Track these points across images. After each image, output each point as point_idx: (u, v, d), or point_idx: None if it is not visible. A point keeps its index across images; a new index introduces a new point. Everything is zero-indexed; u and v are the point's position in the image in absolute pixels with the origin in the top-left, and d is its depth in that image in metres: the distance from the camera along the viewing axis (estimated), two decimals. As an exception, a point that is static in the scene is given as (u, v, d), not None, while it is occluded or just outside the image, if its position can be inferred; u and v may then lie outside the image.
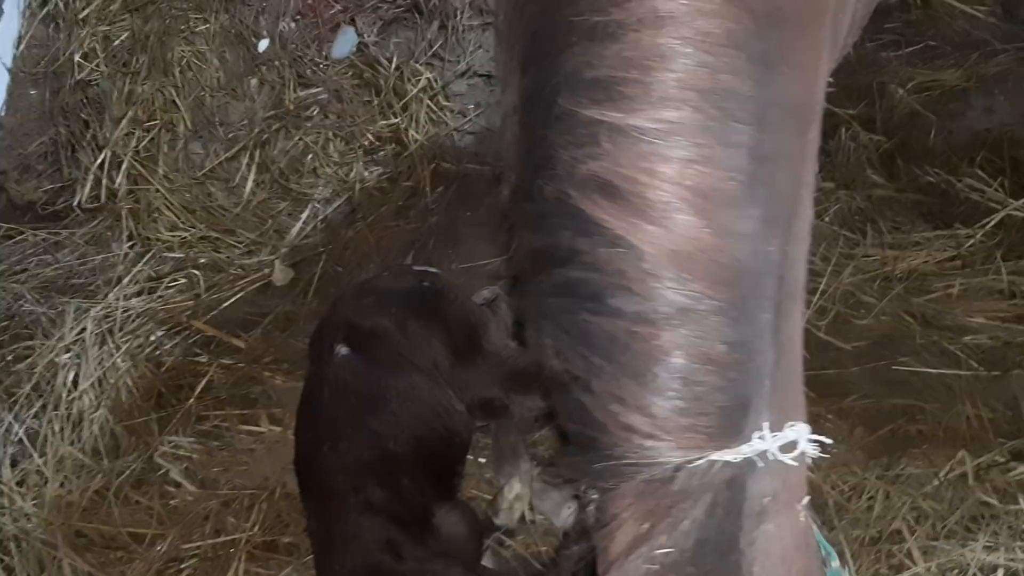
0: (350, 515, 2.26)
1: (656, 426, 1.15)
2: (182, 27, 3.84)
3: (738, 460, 1.15)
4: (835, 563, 1.45)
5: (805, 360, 2.97)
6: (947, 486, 2.50)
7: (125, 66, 3.78)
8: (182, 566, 2.64)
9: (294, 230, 3.63)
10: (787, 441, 1.19)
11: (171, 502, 2.80)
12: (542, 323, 1.26)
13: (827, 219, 3.29)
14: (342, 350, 2.53)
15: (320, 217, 3.68)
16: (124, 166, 3.58)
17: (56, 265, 3.45)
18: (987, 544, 2.34)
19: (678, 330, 1.14)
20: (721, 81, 1.13)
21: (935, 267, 3.08)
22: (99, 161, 3.60)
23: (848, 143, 3.39)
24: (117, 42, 3.82)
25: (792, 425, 1.20)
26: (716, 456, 1.14)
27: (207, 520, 2.72)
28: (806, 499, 1.25)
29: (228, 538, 2.65)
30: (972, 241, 3.09)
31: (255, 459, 2.90)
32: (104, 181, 3.58)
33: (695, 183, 1.14)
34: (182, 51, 3.79)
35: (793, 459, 1.18)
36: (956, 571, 2.34)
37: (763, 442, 1.17)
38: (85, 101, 3.76)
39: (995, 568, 2.30)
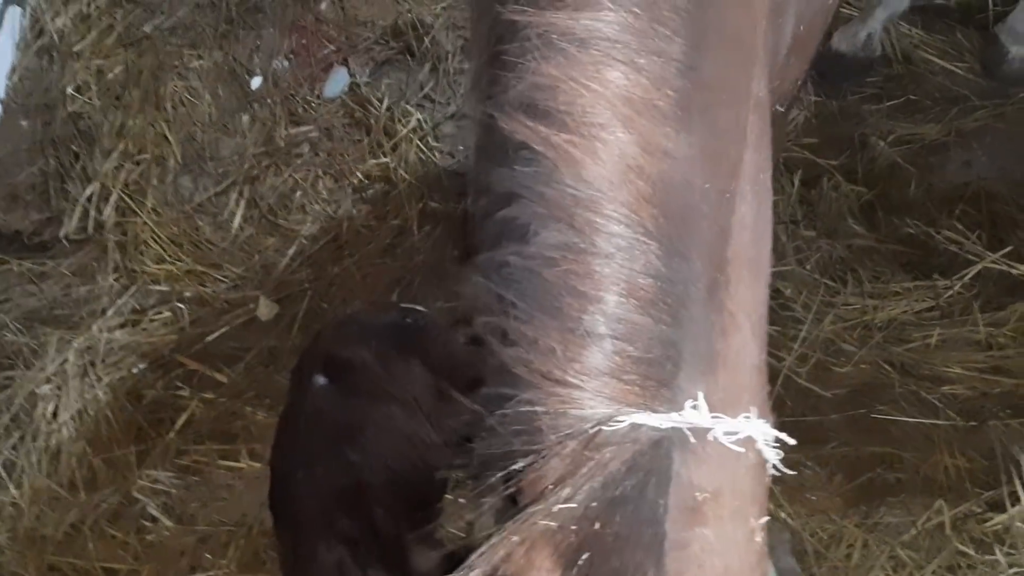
0: (316, 543, 2.25)
1: (581, 374, 1.04)
2: (175, 63, 3.88)
3: (664, 427, 1.03)
4: None
5: (785, 406, 3.00)
6: (925, 535, 2.52)
7: (117, 100, 3.81)
8: (156, 603, 2.62)
9: (280, 265, 3.64)
10: (735, 429, 1.07)
11: (147, 537, 2.78)
12: (475, 283, 1.14)
13: (808, 267, 3.33)
14: (319, 379, 2.53)
15: (307, 253, 3.70)
16: (113, 198, 3.59)
17: (40, 296, 3.45)
18: (964, 594, 2.35)
19: (608, 261, 1.05)
20: None
21: (914, 317, 3.11)
22: (88, 193, 3.61)
23: (830, 193, 3.44)
24: (110, 76, 3.86)
25: (747, 416, 1.10)
26: (640, 418, 1.02)
27: (183, 556, 2.71)
28: (764, 519, 1.14)
29: (204, 575, 2.63)
30: (950, 292, 3.13)
31: (234, 495, 2.89)
32: (92, 213, 3.59)
33: (623, 92, 1.06)
34: (175, 86, 3.82)
35: (737, 445, 1.07)
36: (933, 621, 2.35)
37: (696, 414, 1.05)
38: (76, 133, 3.78)
39: (971, 618, 2.31)
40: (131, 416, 3.08)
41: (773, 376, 2.94)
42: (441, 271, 3.54)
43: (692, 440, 1.06)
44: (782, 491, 2.68)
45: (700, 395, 1.07)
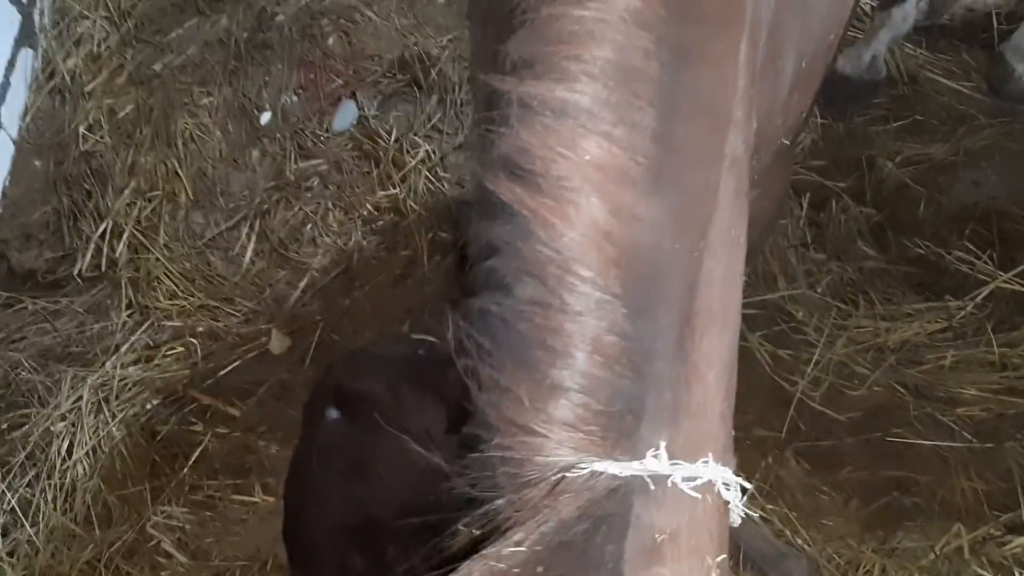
0: None
1: (547, 424, 1.09)
2: (186, 100, 3.93)
3: (624, 475, 1.08)
4: None
5: (799, 430, 2.98)
6: (943, 560, 2.49)
7: (129, 138, 3.86)
8: (171, 641, 2.62)
9: (292, 298, 3.66)
10: (694, 475, 1.12)
11: (162, 574, 2.78)
12: (458, 327, 1.20)
13: (819, 290, 3.32)
14: (332, 413, 2.53)
15: (318, 285, 3.72)
16: (125, 235, 3.63)
17: (54, 334, 3.47)
18: (985, 619, 2.32)
19: (575, 319, 1.10)
20: (627, 59, 1.13)
21: (927, 339, 3.10)
22: (100, 230, 3.64)
23: (839, 215, 3.44)
24: (122, 114, 3.91)
25: (706, 461, 1.14)
26: (599, 466, 1.07)
27: (198, 591, 2.71)
28: (722, 556, 1.16)
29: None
30: (963, 313, 3.11)
31: (248, 529, 2.89)
32: (105, 250, 3.62)
33: (596, 161, 1.12)
34: (185, 123, 3.87)
35: (696, 489, 1.11)
36: (954, 647, 2.32)
37: (656, 462, 1.10)
38: (88, 172, 3.82)
39: (993, 644, 2.28)
40: (145, 452, 3.10)
41: (787, 400, 2.97)
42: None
43: (652, 487, 1.11)
44: (798, 517, 2.67)
45: (662, 444, 1.12)
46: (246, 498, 2.96)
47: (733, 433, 1.26)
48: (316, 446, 2.57)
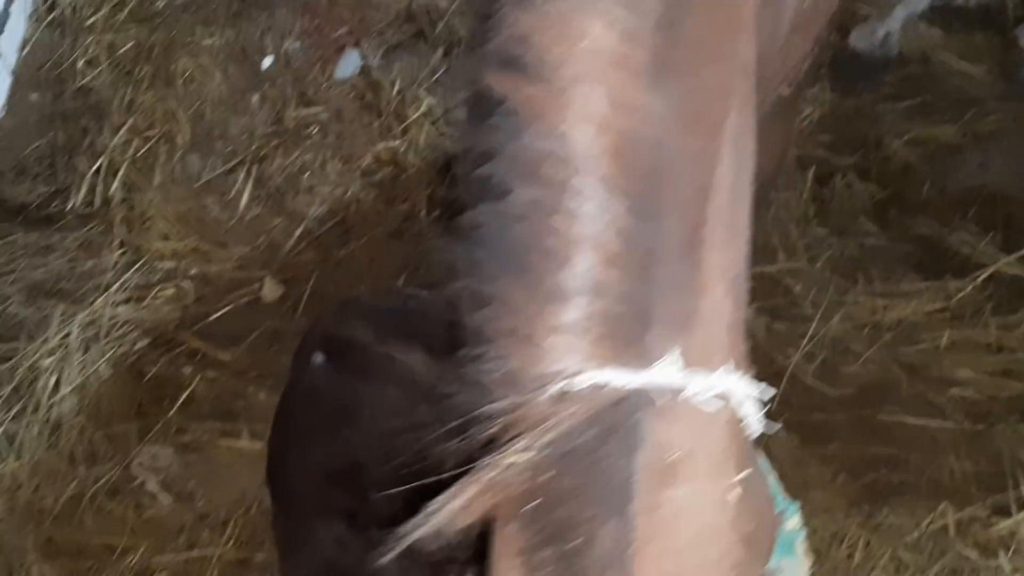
0: (314, 520, 2.23)
1: (548, 332, 1.02)
2: (188, 39, 3.86)
3: (631, 386, 1.01)
4: (791, 522, 1.25)
5: (790, 404, 2.98)
6: (928, 538, 2.50)
7: (128, 75, 3.79)
8: (153, 579, 2.61)
9: (287, 247, 3.62)
10: (709, 386, 1.04)
11: (146, 513, 2.77)
12: (448, 247, 1.13)
13: (819, 265, 3.31)
14: (317, 358, 2.52)
15: (314, 235, 3.68)
16: (120, 174, 3.58)
17: (45, 269, 3.43)
18: (966, 599, 2.33)
19: (575, 219, 1.04)
20: None
21: (924, 318, 3.09)
22: (95, 167, 3.59)
23: (843, 191, 3.42)
24: (122, 51, 3.84)
25: (720, 372, 1.06)
26: (604, 376, 1.00)
27: (181, 533, 2.70)
28: (744, 472, 1.09)
29: (201, 553, 2.63)
30: (962, 294, 3.10)
31: (234, 474, 2.88)
32: (99, 187, 3.57)
33: (595, 46, 1.06)
34: (186, 63, 3.81)
35: (712, 402, 1.04)
36: (934, 624, 2.33)
37: (667, 372, 1.03)
38: (85, 107, 3.77)
39: (973, 623, 2.30)
40: (132, 392, 3.07)
41: (779, 374, 2.96)
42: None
43: (663, 399, 1.03)
44: (785, 488, 2.66)
45: (675, 352, 1.05)
46: (233, 443, 2.95)
47: (745, 348, 1.17)
48: (301, 391, 2.56)
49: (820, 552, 2.53)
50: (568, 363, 1.02)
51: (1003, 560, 2.38)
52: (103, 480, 2.81)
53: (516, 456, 1.00)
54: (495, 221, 1.08)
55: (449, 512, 1.03)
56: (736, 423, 1.10)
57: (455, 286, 1.12)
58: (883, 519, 2.57)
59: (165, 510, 2.78)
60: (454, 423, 1.09)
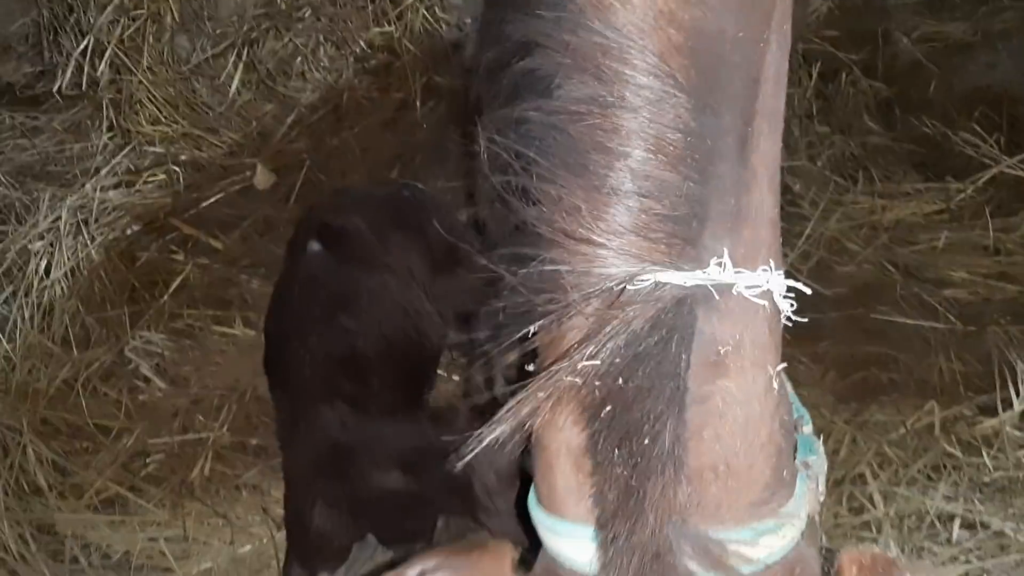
0: (318, 404, 2.25)
1: (606, 233, 1.03)
2: (175, -87, 3.70)
3: (688, 285, 1.03)
4: (807, 428, 1.31)
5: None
6: (913, 435, 2.52)
7: (114, -49, 3.64)
8: (148, 460, 2.63)
9: (278, 134, 3.56)
10: (756, 283, 1.07)
11: (139, 397, 2.78)
12: (488, 143, 1.12)
13: (820, 163, 3.27)
14: (314, 246, 2.50)
15: (306, 122, 3.61)
16: (107, 54, 3.46)
17: (33, 150, 3.38)
18: (946, 494, 2.36)
19: (635, 115, 1.02)
20: None
21: (922, 219, 3.07)
22: (82, 47, 3.48)
23: (847, 88, 3.35)
24: (107, -76, 3.68)
25: (765, 269, 1.09)
26: (664, 276, 1.02)
27: (175, 417, 2.72)
28: (782, 365, 1.14)
29: (196, 436, 2.65)
30: (962, 195, 3.08)
31: (227, 360, 2.89)
32: (86, 68, 3.47)
33: None
34: (173, -60, 3.65)
35: (757, 297, 1.07)
36: (914, 517, 2.37)
37: (720, 271, 1.05)
38: (71, -17, 3.63)
39: (952, 517, 2.33)
40: (124, 277, 3.05)
41: (774, 272, 2.95)
42: (443, 149, 3.46)
43: (716, 296, 1.05)
44: (775, 385, 2.68)
45: (725, 252, 1.06)
46: (226, 330, 2.94)
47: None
48: (298, 279, 2.55)
49: (806, 447, 2.56)
50: (628, 264, 1.03)
51: (986, 458, 2.41)
52: (96, 364, 2.81)
53: (585, 361, 1.01)
54: (547, 117, 1.05)
55: (522, 414, 1.03)
56: (776, 316, 1.14)
57: (498, 180, 1.10)
58: (870, 416, 2.59)
59: (159, 395, 2.79)
60: (509, 326, 1.10)
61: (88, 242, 3.07)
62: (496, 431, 1.04)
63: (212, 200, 3.32)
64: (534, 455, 1.15)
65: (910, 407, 2.60)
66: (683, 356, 1.04)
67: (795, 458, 1.21)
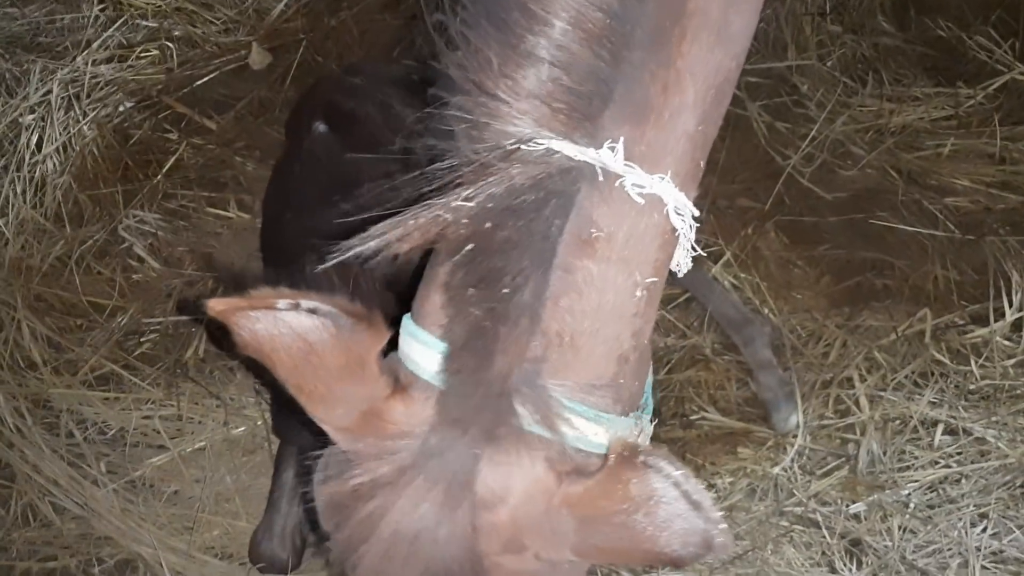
0: (306, 271, 2.24)
1: (512, 92, 1.08)
2: None
3: (578, 159, 1.08)
4: (646, 415, 1.34)
5: (783, 205, 2.95)
6: (903, 341, 2.54)
7: None
8: (142, 339, 2.64)
9: (275, 12, 3.45)
10: (644, 183, 1.12)
11: (133, 276, 2.78)
12: None
13: (829, 64, 3.20)
14: (320, 127, 2.44)
15: (303, 2, 3.50)
16: (98, -80, 3.33)
17: (22, 20, 3.27)
18: (932, 400, 2.40)
19: None
20: None
21: (930, 124, 3.02)
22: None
23: (860, -13, 3.26)
24: None
25: (662, 177, 1.13)
26: (556, 145, 1.07)
27: (169, 297, 2.72)
28: (652, 279, 1.18)
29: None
30: (972, 102, 3.03)
31: (221, 243, 2.87)
32: (76, -65, 3.35)
33: None
34: None
35: (643, 199, 1.12)
36: (898, 421, 2.41)
37: (611, 155, 1.10)
38: None
39: (936, 423, 2.37)
40: (117, 154, 3.01)
41: (776, 174, 2.92)
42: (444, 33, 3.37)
43: (601, 179, 1.11)
44: (769, 287, 2.69)
45: (620, 139, 1.11)
46: (221, 212, 2.92)
47: (703, 167, 1.21)
48: (300, 158, 2.50)
49: (796, 349, 2.58)
50: (526, 126, 1.08)
51: (973, 366, 2.43)
52: (90, 241, 2.79)
53: (459, 201, 1.07)
54: None
55: (390, 236, 1.09)
56: (665, 233, 1.17)
57: (435, 18, 1.14)
58: (862, 321, 2.60)
59: (153, 274, 2.79)
60: (415, 167, 1.14)
61: (80, 117, 3.01)
62: (363, 246, 1.11)
63: (206, 79, 3.25)
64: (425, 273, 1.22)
65: (903, 314, 2.61)
66: (556, 222, 1.10)
67: (641, 397, 1.25)
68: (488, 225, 1.07)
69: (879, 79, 3.12)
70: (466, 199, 1.06)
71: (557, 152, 1.07)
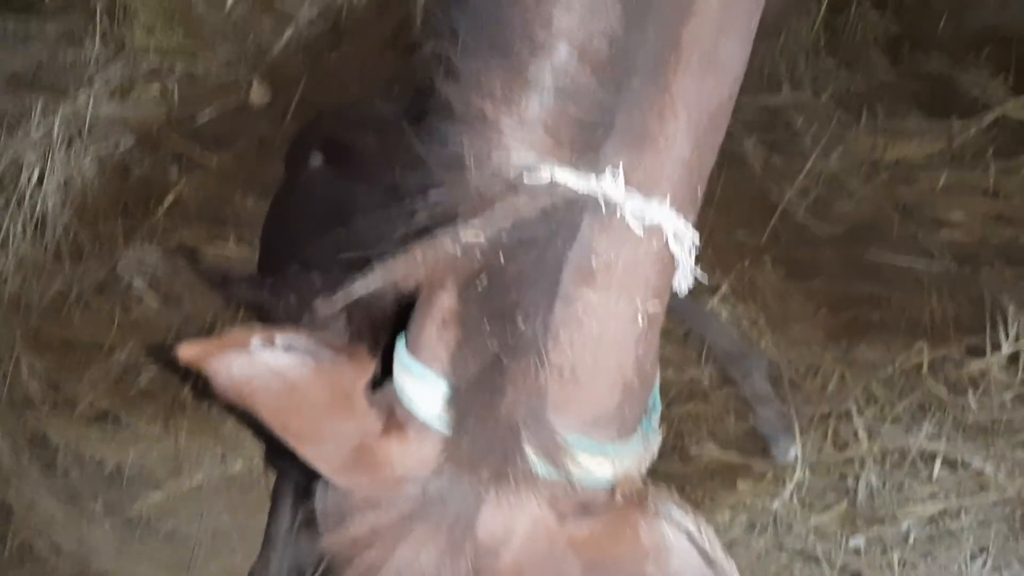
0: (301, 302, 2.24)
1: (515, 120, 1.07)
2: None
3: (581, 189, 1.07)
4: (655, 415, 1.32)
5: (780, 238, 2.97)
6: (901, 374, 2.55)
7: None
8: (140, 376, 2.65)
9: (275, 49, 3.49)
10: (643, 209, 1.10)
11: (133, 313, 2.79)
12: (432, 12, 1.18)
13: (824, 98, 3.23)
14: (316, 160, 2.46)
15: (303, 39, 3.54)
16: (101, -40, 3.38)
17: (25, 57, 3.31)
18: (930, 433, 2.40)
19: (569, 13, 1.06)
20: None
21: (924, 158, 3.05)
22: (75, -48, 3.40)
23: (856, 21, 3.30)
24: None
25: (660, 202, 1.11)
26: (560, 175, 1.06)
27: (168, 334, 2.72)
28: (654, 306, 1.15)
29: (160, 364, 2.65)
30: (965, 136, 3.05)
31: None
32: (79, -27, 3.39)
33: None
34: None
35: (641, 226, 1.10)
36: (896, 455, 2.41)
37: (612, 183, 1.08)
38: None
39: (934, 456, 2.38)
40: (118, 191, 3.03)
41: (772, 207, 2.94)
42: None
43: (603, 208, 1.09)
44: (767, 320, 2.70)
45: (620, 165, 1.09)
46: (221, 248, 2.93)
47: (701, 196, 1.21)
48: (297, 190, 2.52)
49: (794, 382, 2.59)
50: (529, 155, 1.07)
51: (971, 399, 2.44)
52: (89, 278, 2.81)
53: (469, 235, 1.05)
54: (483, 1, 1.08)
55: (395, 273, 1.07)
56: (663, 258, 1.15)
57: (433, 45, 1.13)
58: (859, 354, 2.61)
59: (152, 311, 2.80)
60: (412, 199, 1.13)
61: (81, 153, 3.04)
62: (368, 283, 1.08)
63: (207, 115, 3.27)
64: (416, 305, 1.19)
65: (900, 347, 2.62)
66: (561, 253, 1.08)
67: (647, 416, 1.23)
68: (501, 258, 1.06)
69: (873, 113, 3.15)
70: (475, 232, 1.05)
71: (561, 183, 1.07)
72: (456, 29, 1.10)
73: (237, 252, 2.90)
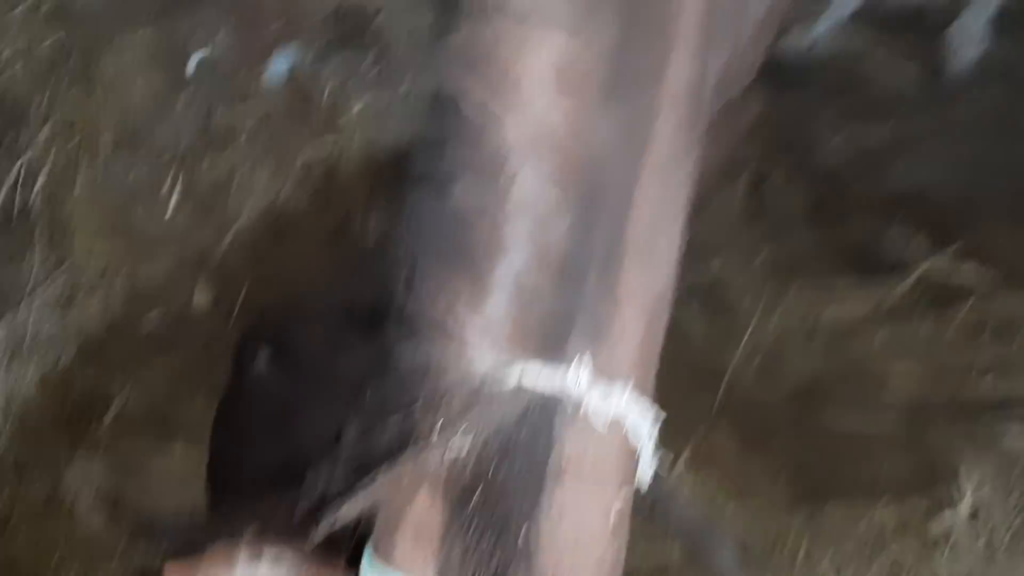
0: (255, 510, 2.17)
1: (479, 328, 1.10)
2: (109, 40, 3.73)
3: (549, 388, 1.09)
4: None
5: (729, 407, 3.00)
6: (867, 538, 2.54)
7: (46, 77, 3.65)
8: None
9: (217, 254, 3.54)
10: (607, 400, 1.12)
11: (79, 530, 2.69)
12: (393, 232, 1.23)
13: (752, 270, 3.35)
14: (261, 358, 2.45)
15: (245, 242, 3.60)
16: (41, 179, 3.45)
17: (-39, 278, 3.30)
18: (903, 594, 2.39)
19: (522, 223, 1.11)
20: None
21: (859, 318, 3.15)
22: (14, 172, 3.45)
23: (775, 193, 3.47)
24: (39, 52, 3.70)
25: (620, 388, 1.14)
26: (529, 378, 1.08)
27: (116, 549, 2.63)
28: (625, 489, 1.17)
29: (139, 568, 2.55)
30: (895, 293, 3.17)
31: (169, 487, 2.80)
32: (18, 195, 3.44)
33: (556, 64, 1.13)
34: (107, 65, 3.68)
35: (606, 417, 1.12)
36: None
37: (576, 380, 1.10)
38: (2, 110, 3.61)
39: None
40: (61, 405, 2.98)
41: (717, 381, 2.99)
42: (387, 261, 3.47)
43: (568, 405, 1.11)
44: (728, 493, 2.70)
45: (586, 361, 1.13)
46: (167, 453, 2.87)
47: (653, 377, 1.25)
48: (244, 390, 2.48)
49: (761, 554, 2.57)
50: (497, 358, 1.10)
51: (939, 557, 2.44)
52: (33, 497, 2.72)
53: (454, 447, 1.06)
54: (438, 206, 1.14)
55: (381, 495, 1.08)
56: (627, 440, 1.17)
57: (393, 257, 1.17)
58: (824, 520, 2.61)
59: (99, 526, 2.70)
60: (378, 410, 1.14)
61: (22, 369, 3.00)
62: (350, 509, 1.08)
63: (151, 322, 3.27)
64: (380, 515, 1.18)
65: (862, 508, 2.63)
66: (549, 455, 1.09)
67: None
68: (491, 469, 1.07)
69: (803, 279, 3.27)
70: (457, 446, 1.06)
71: (530, 385, 1.09)
72: (414, 245, 1.15)
73: (184, 463, 2.84)
